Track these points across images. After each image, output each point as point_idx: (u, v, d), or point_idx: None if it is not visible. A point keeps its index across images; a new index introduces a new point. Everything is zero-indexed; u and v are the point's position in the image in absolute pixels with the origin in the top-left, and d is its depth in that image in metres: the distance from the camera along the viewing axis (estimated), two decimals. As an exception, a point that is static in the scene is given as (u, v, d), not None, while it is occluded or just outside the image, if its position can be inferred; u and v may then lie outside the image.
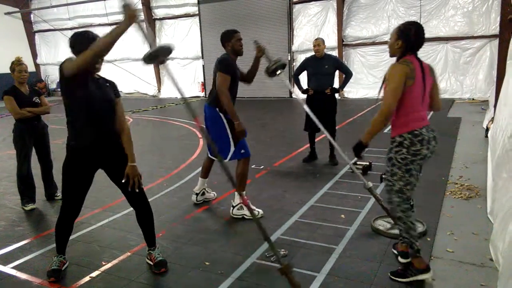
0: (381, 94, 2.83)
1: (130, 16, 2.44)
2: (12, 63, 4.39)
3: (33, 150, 4.63)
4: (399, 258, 2.99)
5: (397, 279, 2.77)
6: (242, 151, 3.99)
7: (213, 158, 4.25)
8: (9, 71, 4.40)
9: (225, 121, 3.94)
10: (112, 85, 3.04)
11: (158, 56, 2.56)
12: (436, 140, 2.76)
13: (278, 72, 3.96)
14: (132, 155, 2.94)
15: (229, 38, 3.95)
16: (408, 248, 2.79)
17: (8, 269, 3.20)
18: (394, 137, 2.72)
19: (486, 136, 6.64)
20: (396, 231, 3.44)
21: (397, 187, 2.74)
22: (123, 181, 2.91)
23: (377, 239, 3.43)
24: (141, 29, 2.59)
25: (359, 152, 2.82)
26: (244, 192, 4.05)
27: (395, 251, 3.11)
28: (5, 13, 19.61)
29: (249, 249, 3.31)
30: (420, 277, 2.71)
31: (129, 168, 2.90)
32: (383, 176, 4.75)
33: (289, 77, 15.17)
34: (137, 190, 2.95)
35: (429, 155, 2.75)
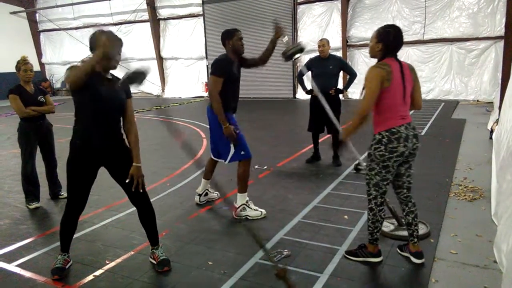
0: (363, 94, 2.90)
1: (103, 47, 2.64)
2: (18, 62, 4.41)
3: (38, 149, 4.66)
4: (413, 259, 3.01)
5: (350, 257, 3.09)
6: (242, 152, 3.98)
7: (216, 159, 4.26)
8: (15, 70, 4.42)
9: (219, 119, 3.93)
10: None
11: (135, 79, 2.63)
12: (417, 138, 2.87)
13: (296, 56, 3.83)
14: (137, 156, 2.95)
15: (231, 37, 3.94)
16: (368, 235, 3.03)
17: (12, 267, 3.22)
18: (375, 135, 2.86)
19: (491, 138, 6.61)
20: (403, 233, 3.45)
21: (374, 181, 2.90)
22: (127, 181, 2.92)
23: (380, 240, 3.40)
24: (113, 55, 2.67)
25: (339, 149, 3.09)
26: (246, 193, 4.05)
27: (403, 253, 3.11)
28: (11, 13, 19.72)
29: (252, 249, 3.30)
30: (371, 259, 3.03)
31: (134, 168, 2.91)
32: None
33: (292, 78, 15.21)
34: (141, 191, 2.97)
35: (409, 153, 2.83)
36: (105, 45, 2.66)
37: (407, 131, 2.81)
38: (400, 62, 2.81)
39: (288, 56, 3.80)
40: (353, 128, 2.87)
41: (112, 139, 2.94)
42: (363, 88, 2.88)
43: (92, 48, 2.80)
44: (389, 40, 2.76)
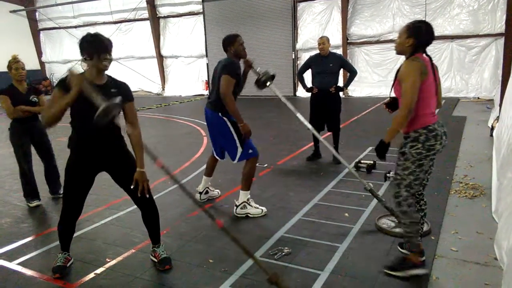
0: (392, 92, 2.83)
1: (75, 84, 2.61)
2: (9, 61, 4.35)
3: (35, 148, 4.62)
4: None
5: (392, 273, 2.80)
6: (250, 151, 3.99)
7: (218, 157, 4.26)
8: (7, 70, 4.34)
9: (229, 123, 3.95)
10: (122, 89, 2.89)
11: (110, 113, 2.57)
12: (446, 135, 2.81)
13: (268, 84, 4.01)
14: (141, 160, 2.85)
15: (232, 42, 3.97)
16: (408, 243, 2.83)
17: (13, 265, 3.22)
18: (409, 133, 2.74)
19: (491, 135, 6.61)
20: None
21: (407, 181, 2.75)
22: (132, 187, 2.86)
23: (381, 238, 3.43)
24: (88, 93, 2.63)
25: (383, 153, 2.78)
26: (248, 191, 4.05)
27: (403, 251, 3.10)
28: (10, 11, 19.71)
29: (253, 247, 3.31)
30: (415, 271, 2.78)
31: (138, 173, 2.84)
32: (388, 175, 4.74)
33: (293, 76, 15.19)
34: (147, 196, 2.92)
35: (441, 150, 2.79)
36: (79, 84, 2.62)
37: (440, 129, 2.75)
38: (430, 58, 2.74)
39: (261, 84, 4.00)
40: (398, 126, 2.67)
41: (107, 146, 2.89)
42: (393, 85, 2.79)
43: (82, 51, 2.74)
44: (421, 35, 2.67)
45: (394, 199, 2.83)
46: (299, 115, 4.29)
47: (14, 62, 4.33)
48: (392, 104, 2.99)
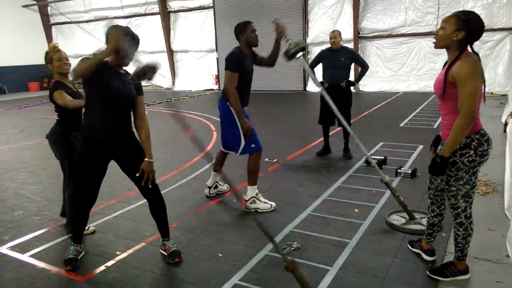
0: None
1: (114, 41, 2.67)
2: (47, 52, 3.54)
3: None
4: (425, 256, 2.95)
5: (437, 277, 2.71)
6: (253, 145, 3.98)
7: (227, 151, 4.26)
8: (45, 63, 3.57)
9: (236, 115, 3.95)
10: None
11: (146, 74, 2.66)
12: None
13: (298, 55, 3.78)
14: (149, 151, 2.96)
15: (244, 30, 3.91)
16: (457, 252, 2.69)
17: (26, 257, 3.27)
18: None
19: (505, 131, 6.50)
20: (414, 227, 3.42)
21: (463, 191, 2.55)
22: (137, 175, 2.94)
23: (391, 234, 3.41)
24: (125, 49, 2.69)
25: (444, 169, 2.52)
26: (255, 186, 4.05)
27: (414, 249, 3.06)
28: (23, 6, 19.87)
29: (262, 241, 3.31)
30: (460, 277, 2.69)
31: (145, 163, 2.93)
32: (399, 170, 4.69)
33: (303, 70, 15.10)
34: (150, 186, 2.99)
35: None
36: (117, 40, 2.68)
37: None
38: (478, 54, 2.44)
39: (290, 55, 3.77)
40: (460, 136, 2.42)
41: (118, 132, 2.97)
42: (444, 87, 2.45)
43: (108, 41, 2.80)
44: (473, 28, 2.38)
45: (452, 210, 2.63)
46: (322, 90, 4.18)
47: (56, 51, 3.49)
48: (437, 141, 2.78)
